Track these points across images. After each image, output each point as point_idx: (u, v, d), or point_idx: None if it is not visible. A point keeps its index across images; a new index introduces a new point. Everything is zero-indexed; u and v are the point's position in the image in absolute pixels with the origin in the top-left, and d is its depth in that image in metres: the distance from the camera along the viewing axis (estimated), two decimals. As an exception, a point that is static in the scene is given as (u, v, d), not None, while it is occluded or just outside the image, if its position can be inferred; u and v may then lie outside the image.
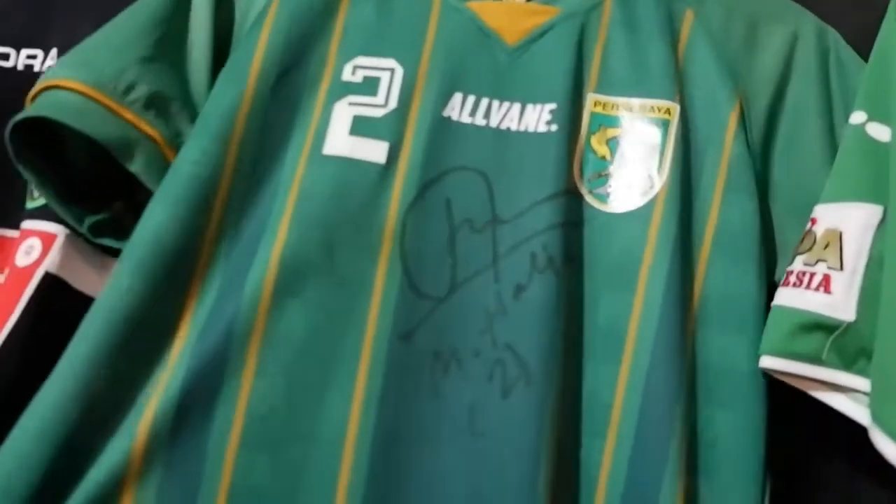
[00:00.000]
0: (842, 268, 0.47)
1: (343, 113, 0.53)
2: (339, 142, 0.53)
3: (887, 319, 0.45)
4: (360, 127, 0.53)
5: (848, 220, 0.48)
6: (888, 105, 0.49)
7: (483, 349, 0.50)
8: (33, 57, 0.63)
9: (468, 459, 0.48)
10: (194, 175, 0.51)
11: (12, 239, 0.58)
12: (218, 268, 0.51)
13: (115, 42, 0.54)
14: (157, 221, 0.50)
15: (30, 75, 0.61)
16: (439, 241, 0.52)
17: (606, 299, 0.52)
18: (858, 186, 0.49)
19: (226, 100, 0.53)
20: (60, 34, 0.63)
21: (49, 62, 0.62)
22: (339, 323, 0.49)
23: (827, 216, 0.50)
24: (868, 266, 0.48)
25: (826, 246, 0.48)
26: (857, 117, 0.51)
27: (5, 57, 0.63)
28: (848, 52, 0.57)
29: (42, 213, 0.57)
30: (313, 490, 0.47)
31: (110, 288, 0.49)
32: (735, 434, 0.49)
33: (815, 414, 0.49)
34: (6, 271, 0.56)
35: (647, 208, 0.53)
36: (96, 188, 0.56)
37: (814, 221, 0.50)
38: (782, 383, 0.49)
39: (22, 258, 0.56)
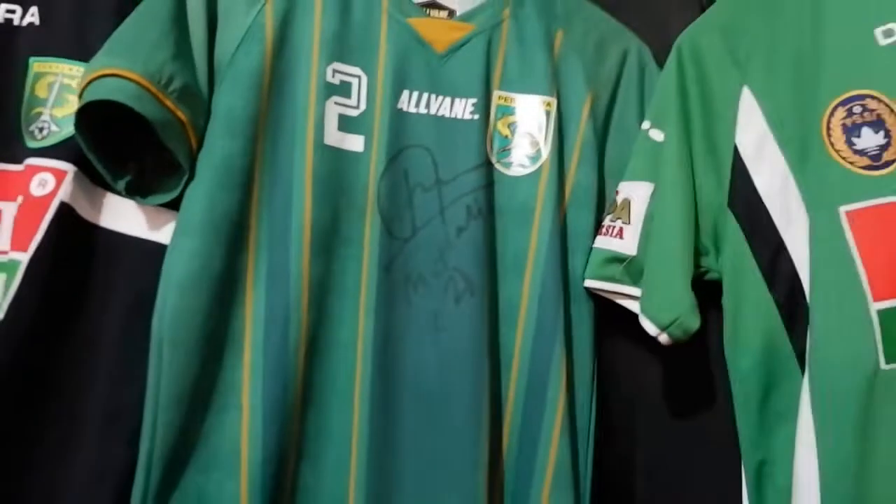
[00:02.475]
0: (629, 223, 0.77)
1: (332, 111, 0.74)
2: (333, 135, 0.74)
3: (651, 253, 0.75)
4: (344, 124, 0.74)
5: (634, 193, 0.78)
6: (664, 117, 0.78)
7: (439, 271, 0.74)
8: (12, 12, 0.72)
9: (435, 347, 0.73)
10: (232, 156, 0.70)
11: (16, 172, 0.69)
12: (262, 230, 0.71)
13: (150, 38, 0.68)
14: (207, 195, 0.68)
15: (8, 28, 0.72)
16: (402, 199, 0.75)
17: (513, 235, 0.78)
18: (642, 171, 0.78)
19: (248, 98, 0.71)
20: None
21: (29, 18, 0.72)
22: (346, 264, 0.72)
23: (624, 189, 0.79)
24: (644, 221, 0.76)
25: (622, 209, 0.78)
26: (646, 124, 0.80)
27: None
28: (654, 67, 0.86)
29: (50, 153, 0.69)
30: (339, 379, 0.70)
31: (178, 249, 0.67)
32: (582, 318, 0.79)
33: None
34: (19, 199, 0.68)
35: (537, 173, 0.79)
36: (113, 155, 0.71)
37: (617, 192, 0.79)
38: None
39: (37, 189, 0.68)
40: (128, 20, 0.70)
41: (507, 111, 0.81)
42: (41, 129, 0.69)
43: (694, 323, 0.71)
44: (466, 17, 0.81)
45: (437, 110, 0.78)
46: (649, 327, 0.73)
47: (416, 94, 0.77)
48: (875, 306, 0.66)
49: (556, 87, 0.81)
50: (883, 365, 0.66)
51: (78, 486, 0.63)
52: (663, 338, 0.73)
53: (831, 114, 0.70)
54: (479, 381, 0.72)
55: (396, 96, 0.76)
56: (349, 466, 0.69)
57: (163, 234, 0.70)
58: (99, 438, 0.65)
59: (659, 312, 0.72)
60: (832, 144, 0.70)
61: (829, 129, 0.70)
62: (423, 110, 0.77)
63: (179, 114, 0.69)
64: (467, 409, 0.72)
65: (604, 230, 0.79)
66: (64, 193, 0.67)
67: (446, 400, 0.72)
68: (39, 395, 0.64)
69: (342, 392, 0.71)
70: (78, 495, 0.63)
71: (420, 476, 0.70)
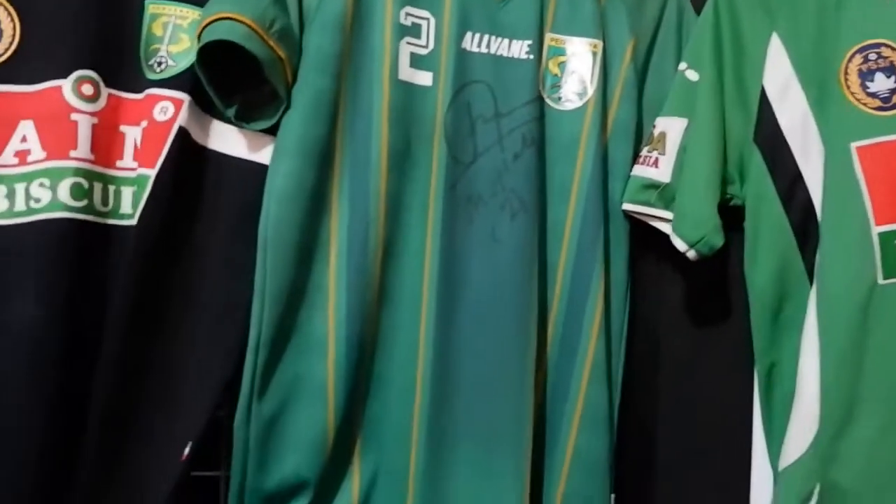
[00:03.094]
0: (665, 153, 0.87)
1: (405, 50, 0.84)
2: (406, 71, 0.84)
3: (682, 180, 0.85)
4: (415, 61, 0.85)
5: (670, 126, 0.88)
6: (700, 59, 0.87)
7: (497, 192, 0.85)
8: None
9: (491, 258, 0.85)
10: (321, 90, 0.81)
11: (136, 100, 0.80)
12: (346, 154, 0.82)
13: None
14: (301, 123, 0.80)
15: None
16: (465, 128, 0.86)
17: (561, 163, 0.89)
18: (678, 108, 0.88)
19: (334, 39, 0.81)
20: None
21: None
22: (418, 182, 0.84)
23: (661, 123, 0.89)
24: (678, 152, 0.87)
25: (659, 141, 0.87)
26: (682, 65, 0.89)
27: None
28: (692, 13, 0.94)
29: (170, 84, 0.79)
30: (410, 282, 0.82)
31: (277, 169, 0.79)
32: (619, 238, 0.90)
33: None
34: (143, 123, 0.79)
35: (583, 108, 0.89)
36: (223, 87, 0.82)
37: (655, 126, 0.89)
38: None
39: (159, 115, 0.79)
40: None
41: (558, 52, 0.90)
42: (160, 64, 0.80)
43: (718, 240, 0.82)
44: (522, -35, 0.90)
45: (497, 50, 0.88)
46: (679, 244, 0.84)
47: (477, 35, 0.87)
48: (876, 229, 0.77)
49: (601, 31, 0.91)
50: (880, 280, 0.76)
51: (201, 362, 0.77)
52: (691, 254, 0.84)
53: (849, 59, 0.79)
54: (529, 288, 0.84)
55: (460, 37, 0.86)
56: (417, 358, 0.82)
57: (262, 156, 0.82)
58: (215, 326, 0.78)
59: (688, 231, 0.83)
60: (848, 87, 0.79)
61: (846, 73, 0.79)
62: (483, 50, 0.87)
63: (280, 52, 0.80)
64: (517, 311, 0.84)
65: (641, 160, 0.89)
66: (182, 119, 0.79)
67: (500, 304, 0.84)
68: (168, 286, 0.77)
69: (412, 293, 0.83)
70: (201, 370, 0.77)
71: (476, 368, 0.83)
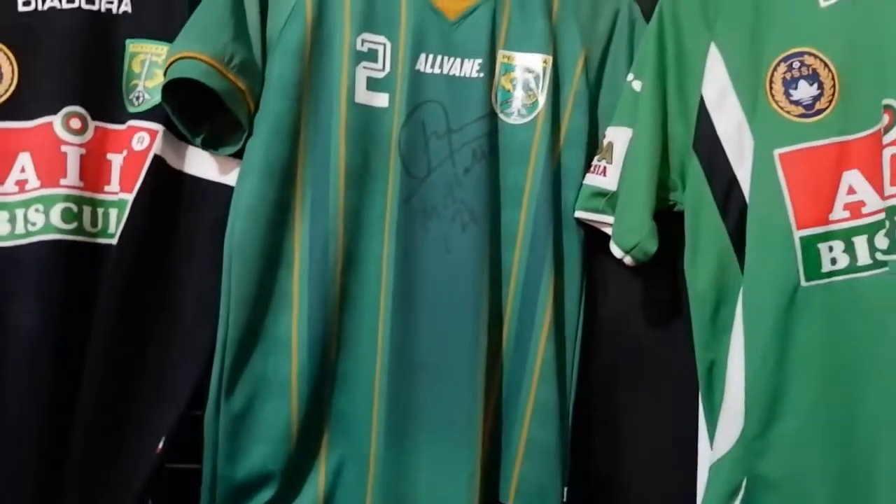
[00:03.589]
0: (612, 162, 0.91)
1: (361, 74, 0.91)
2: (363, 94, 0.91)
3: (620, 188, 0.89)
4: (372, 84, 0.91)
5: (617, 136, 0.92)
6: (644, 70, 0.91)
7: (449, 204, 0.92)
8: (111, 3, 0.91)
9: (443, 265, 0.91)
10: (282, 114, 0.88)
11: (119, 131, 0.89)
12: (307, 172, 0.90)
13: (215, 24, 0.87)
14: (264, 144, 0.88)
15: (108, 16, 0.91)
16: (420, 145, 0.92)
17: (513, 172, 0.94)
18: (624, 118, 0.92)
19: (294, 67, 0.89)
20: None
21: (123, 8, 0.91)
22: (375, 196, 0.91)
23: (609, 133, 0.93)
24: (623, 160, 0.91)
25: (607, 150, 0.92)
26: (630, 76, 0.93)
27: (91, 2, 0.90)
28: (643, 23, 0.98)
29: (146, 116, 0.89)
30: (368, 287, 0.89)
31: (242, 187, 0.87)
32: (573, 244, 0.95)
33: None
34: (124, 152, 0.89)
35: (534, 120, 0.94)
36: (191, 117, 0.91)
37: (604, 136, 0.94)
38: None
39: (137, 145, 0.88)
40: (198, 9, 0.89)
41: (509, 68, 0.96)
42: (137, 98, 0.90)
43: (652, 247, 0.86)
44: (475, -14, 0.96)
45: (449, 70, 0.94)
46: (616, 251, 0.88)
47: (431, 56, 0.93)
48: (798, 233, 0.79)
49: (552, 45, 0.95)
50: (803, 282, 0.79)
51: (177, 362, 0.86)
52: (627, 259, 0.88)
53: (774, 68, 0.82)
54: (478, 292, 0.90)
55: (415, 59, 0.93)
56: (376, 355, 0.89)
57: (230, 178, 0.90)
58: (190, 329, 0.87)
59: (624, 238, 0.87)
60: (773, 95, 0.82)
61: (771, 81, 0.82)
62: (437, 70, 0.93)
63: (240, 84, 0.88)
64: (469, 315, 0.90)
65: (592, 169, 0.94)
66: (157, 147, 0.88)
67: (452, 306, 0.90)
68: (146, 295, 0.87)
69: (370, 297, 0.90)
70: (177, 369, 0.86)
71: (431, 365, 0.89)
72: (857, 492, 0.76)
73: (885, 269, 0.75)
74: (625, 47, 0.98)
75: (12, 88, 0.88)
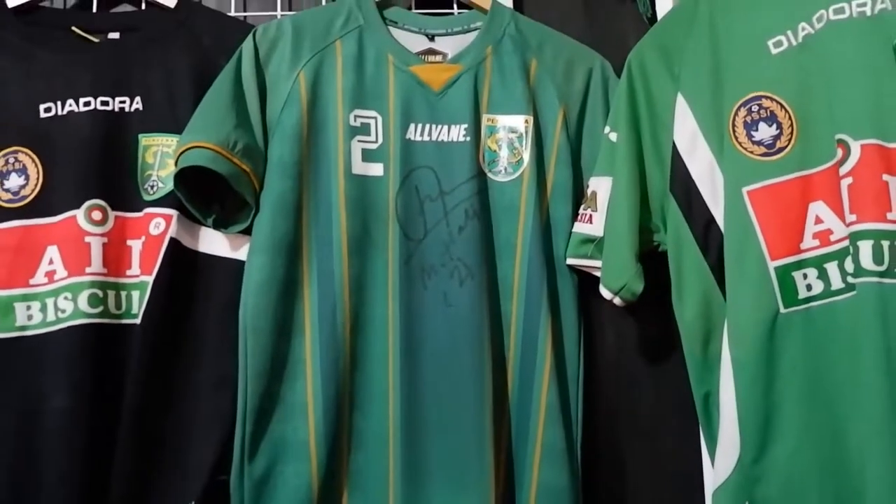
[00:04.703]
0: (597, 210, 0.97)
1: (356, 147, 0.98)
2: (358, 166, 0.98)
3: (605, 234, 0.95)
4: (367, 156, 0.99)
5: (599, 185, 0.98)
6: (618, 122, 0.97)
7: (446, 262, 0.98)
8: (123, 102, 1.00)
9: (445, 320, 0.97)
10: (284, 193, 0.95)
11: (137, 218, 0.97)
12: (312, 244, 0.96)
13: (218, 115, 0.95)
14: (269, 222, 0.95)
15: (122, 114, 0.99)
16: (415, 209, 0.99)
17: (504, 228, 1.00)
18: (604, 167, 0.98)
19: (293, 148, 0.96)
20: (139, 87, 1.00)
21: (135, 105, 0.99)
22: (377, 261, 0.97)
23: (592, 183, 0.99)
24: (607, 207, 0.96)
25: (592, 199, 0.98)
26: (606, 128, 0.99)
27: (106, 103, 0.99)
28: (615, 80, 1.04)
29: (161, 203, 0.97)
30: (376, 347, 0.95)
31: (251, 264, 0.94)
32: (566, 290, 1.00)
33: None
34: (143, 237, 0.96)
35: (520, 177, 1.01)
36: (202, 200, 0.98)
37: (587, 186, 1.00)
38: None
39: (154, 230, 0.96)
40: (202, 102, 0.97)
41: (493, 130, 1.03)
42: (152, 187, 0.98)
43: (638, 287, 0.91)
44: (456, 58, 1.04)
45: (437, 136, 1.01)
46: (605, 293, 0.93)
47: (419, 125, 1.00)
48: (772, 264, 0.84)
49: (532, 106, 1.02)
50: (782, 309, 0.84)
51: (201, 430, 0.92)
52: (617, 300, 0.93)
53: (735, 113, 0.88)
54: (480, 342, 0.96)
55: (405, 130, 1.00)
56: (388, 411, 0.94)
57: (241, 253, 0.97)
58: (212, 399, 0.93)
59: (611, 281, 0.93)
60: (736, 137, 0.87)
61: (734, 125, 0.88)
62: (426, 138, 1.00)
63: (244, 167, 0.95)
64: (472, 364, 0.95)
65: (579, 217, 1.00)
66: (172, 231, 0.96)
67: (456, 358, 0.96)
68: (170, 373, 0.93)
69: (379, 356, 0.96)
70: (201, 437, 0.92)
71: (441, 416, 0.94)
72: (851, 506, 0.79)
73: (854, 292, 0.80)
74: (601, 102, 1.04)
75: (38, 188, 0.96)
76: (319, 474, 0.93)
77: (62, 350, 0.92)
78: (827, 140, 0.82)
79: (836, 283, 0.82)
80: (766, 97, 0.86)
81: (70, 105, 0.98)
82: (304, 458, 0.93)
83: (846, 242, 0.81)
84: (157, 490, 0.90)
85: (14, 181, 0.96)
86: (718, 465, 0.85)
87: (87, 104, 0.98)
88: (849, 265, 0.81)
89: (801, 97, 0.85)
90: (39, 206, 0.96)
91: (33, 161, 0.97)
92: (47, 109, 0.98)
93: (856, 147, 0.80)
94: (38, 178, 0.97)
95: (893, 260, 0.78)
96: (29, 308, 0.93)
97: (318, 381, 0.94)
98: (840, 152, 0.80)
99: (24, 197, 0.96)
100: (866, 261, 0.78)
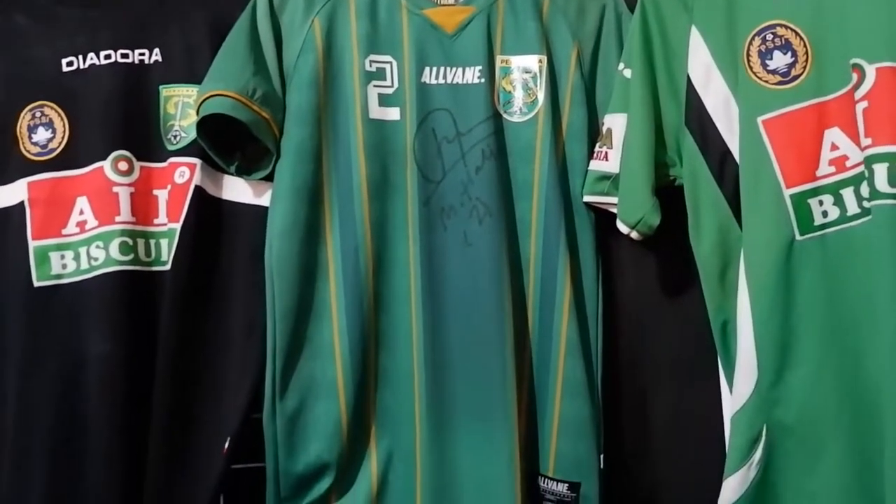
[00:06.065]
0: (612, 147, 0.97)
1: (373, 93, 0.99)
2: (375, 111, 0.99)
3: (622, 169, 0.95)
4: (383, 100, 1.00)
5: (614, 122, 0.98)
6: (632, 58, 0.97)
7: (465, 202, 0.99)
8: (143, 54, 1.02)
9: (466, 259, 0.99)
10: (304, 140, 0.97)
11: (162, 168, 0.99)
12: (333, 190, 0.98)
13: (237, 64, 0.97)
14: (290, 169, 0.97)
15: (141, 66, 1.01)
16: (433, 150, 1.00)
17: (520, 168, 1.02)
18: (619, 104, 0.98)
19: (310, 95, 0.98)
20: (157, 39, 1.02)
21: (154, 57, 1.01)
22: (397, 203, 0.99)
23: (607, 121, 1.00)
24: (622, 144, 0.97)
25: (607, 137, 0.98)
26: (620, 65, 1.00)
27: (126, 56, 1.01)
28: (629, 16, 1.04)
29: (184, 152, 0.99)
30: (399, 287, 0.97)
31: (274, 210, 0.96)
32: (584, 227, 1.02)
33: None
34: (168, 186, 0.99)
35: (535, 117, 1.02)
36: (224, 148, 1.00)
37: (602, 124, 1.00)
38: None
39: (178, 178, 0.98)
40: (220, 52, 0.99)
41: (507, 71, 1.03)
42: (175, 136, 1.00)
43: (655, 220, 0.92)
44: (469, 0, 1.04)
45: (452, 79, 1.02)
46: (623, 227, 0.95)
47: (434, 69, 1.01)
48: (788, 192, 0.85)
49: (546, 46, 1.03)
50: (798, 237, 0.85)
51: (234, 371, 0.96)
52: (634, 234, 0.94)
53: (750, 42, 0.88)
54: (500, 280, 0.98)
55: (420, 73, 1.01)
56: (412, 350, 0.97)
57: (265, 199, 1.00)
58: (242, 340, 0.97)
59: (628, 215, 0.94)
60: (751, 67, 0.88)
61: (748, 55, 0.88)
62: (441, 81, 1.01)
63: (264, 114, 0.97)
64: (493, 302, 0.97)
65: (595, 155, 1.01)
66: (197, 179, 0.98)
67: (477, 296, 0.98)
68: (202, 315, 0.96)
69: (402, 297, 0.98)
70: (234, 379, 0.96)
71: (463, 353, 0.97)
72: (867, 429, 0.81)
73: (870, 216, 0.81)
74: (614, 40, 1.04)
75: (65, 141, 0.99)
76: (348, 412, 0.96)
77: (98, 297, 0.95)
78: (842, 66, 0.82)
79: (852, 208, 0.83)
80: (781, 25, 0.86)
81: (91, 58, 1.00)
82: (333, 396, 0.96)
83: (862, 168, 0.81)
84: (195, 429, 0.94)
85: (42, 135, 0.98)
86: (737, 391, 0.87)
87: (107, 57, 1.00)
88: (864, 190, 0.81)
89: (815, 24, 0.85)
90: (67, 158, 0.99)
91: (59, 115, 0.99)
92: (69, 63, 1.00)
93: (871, 71, 0.80)
94: (64, 132, 0.99)
95: (909, 183, 0.78)
96: (63, 257, 0.96)
97: (343, 322, 0.97)
98: (855, 77, 0.80)
99: (53, 150, 0.98)
100: (881, 183, 0.78)
